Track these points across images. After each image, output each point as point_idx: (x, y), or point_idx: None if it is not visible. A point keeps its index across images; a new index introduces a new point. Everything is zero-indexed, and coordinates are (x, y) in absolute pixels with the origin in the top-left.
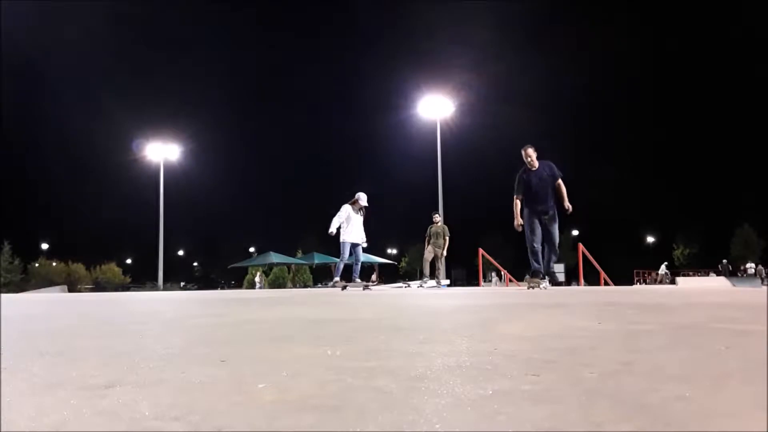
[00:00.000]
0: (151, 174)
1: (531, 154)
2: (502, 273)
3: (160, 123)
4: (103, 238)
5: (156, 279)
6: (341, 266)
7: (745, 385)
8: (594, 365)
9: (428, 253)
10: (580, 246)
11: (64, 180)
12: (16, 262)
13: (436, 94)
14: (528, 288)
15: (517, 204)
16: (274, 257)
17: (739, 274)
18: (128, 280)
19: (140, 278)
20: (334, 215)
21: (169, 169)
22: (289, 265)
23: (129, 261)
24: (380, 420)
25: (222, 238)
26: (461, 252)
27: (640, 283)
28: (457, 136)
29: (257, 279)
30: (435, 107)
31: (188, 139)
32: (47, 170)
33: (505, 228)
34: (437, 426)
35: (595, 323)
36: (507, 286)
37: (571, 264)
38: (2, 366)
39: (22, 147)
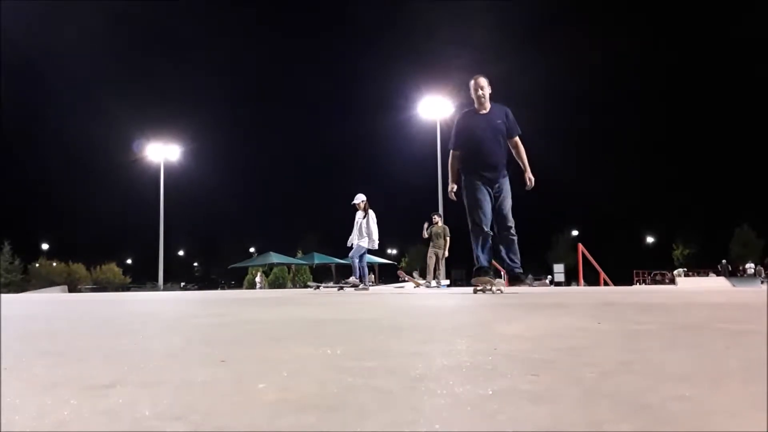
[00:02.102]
0: (152, 174)
1: (483, 86)
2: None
3: (161, 123)
4: (104, 239)
5: (156, 279)
6: (355, 263)
7: (745, 385)
8: (594, 365)
9: (430, 259)
10: (580, 246)
11: (64, 180)
12: (17, 262)
13: (436, 95)
14: (474, 292)
15: (454, 161)
16: (274, 257)
17: (739, 275)
18: (128, 280)
19: (140, 278)
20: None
21: (170, 170)
22: (289, 266)
23: (129, 261)
24: (380, 420)
25: (222, 239)
26: (461, 252)
27: (640, 284)
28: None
29: (257, 279)
30: (435, 107)
31: (188, 139)
32: (47, 170)
33: None
34: (437, 426)
35: (594, 323)
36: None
37: (571, 264)
38: (2, 366)
39: (23, 147)
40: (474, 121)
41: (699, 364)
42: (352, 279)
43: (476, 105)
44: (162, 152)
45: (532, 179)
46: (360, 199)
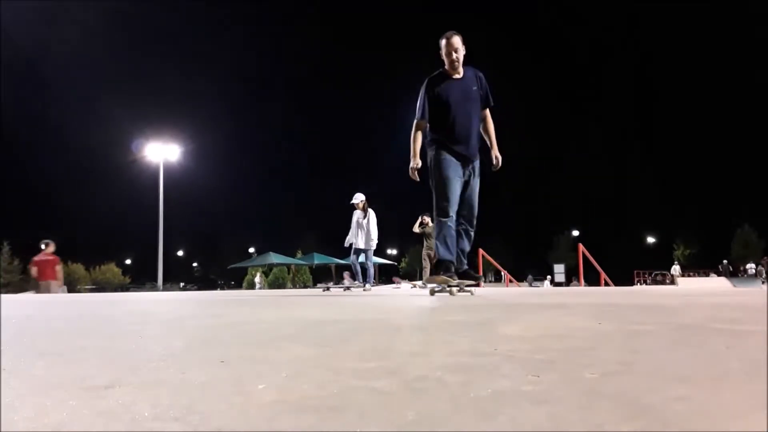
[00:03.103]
0: (151, 174)
1: (458, 46)
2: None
3: (160, 123)
4: (103, 239)
5: (155, 279)
6: (355, 265)
7: (746, 385)
8: (594, 366)
9: (424, 260)
10: (580, 246)
11: (63, 181)
12: (16, 262)
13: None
14: (431, 293)
15: (419, 134)
16: (274, 258)
17: (740, 275)
18: (128, 280)
19: (140, 279)
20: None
21: (169, 170)
22: (288, 266)
23: (128, 261)
24: (380, 420)
25: (222, 239)
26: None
27: (641, 284)
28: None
29: (257, 279)
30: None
31: (188, 139)
32: (47, 171)
33: (505, 228)
34: (437, 426)
35: (595, 323)
36: (507, 286)
37: (571, 264)
38: (2, 366)
39: (22, 147)
40: (446, 87)
41: (699, 365)
42: (356, 281)
43: (448, 68)
44: (161, 152)
45: (500, 158)
46: (359, 198)
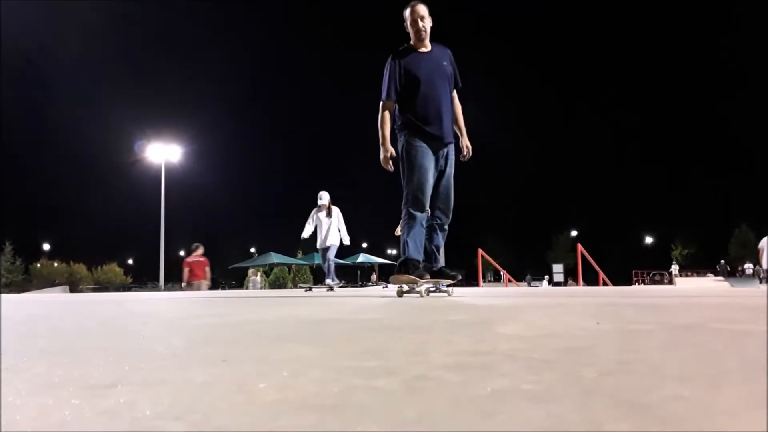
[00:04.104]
0: (153, 175)
1: (424, 15)
2: (501, 273)
3: (162, 124)
4: (105, 239)
5: (157, 279)
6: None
7: (744, 385)
8: (593, 365)
9: None
10: (579, 246)
11: (65, 181)
12: (18, 262)
13: None
14: (399, 295)
15: (387, 116)
16: (274, 257)
17: (737, 275)
18: (129, 280)
19: (141, 278)
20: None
21: (171, 170)
22: (289, 266)
23: (130, 261)
24: (380, 420)
25: (222, 239)
26: (460, 252)
27: (639, 284)
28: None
29: (257, 279)
30: None
31: (189, 140)
32: (49, 171)
33: (505, 228)
34: (437, 426)
35: (593, 323)
36: (507, 286)
37: (571, 264)
38: (3, 366)
39: (24, 148)
40: (414, 61)
41: (698, 364)
42: (329, 281)
43: (414, 41)
44: (163, 153)
45: (470, 147)
46: (327, 198)
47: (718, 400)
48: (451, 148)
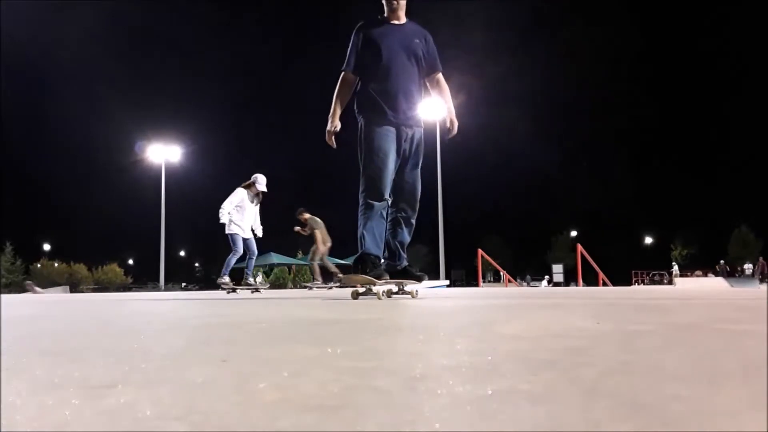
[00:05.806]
0: (153, 175)
1: None
2: (501, 273)
3: (162, 124)
4: (105, 239)
5: (157, 279)
6: (232, 261)
7: (744, 385)
8: (593, 365)
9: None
10: (579, 247)
11: (66, 181)
12: (18, 262)
13: (435, 96)
14: (354, 297)
15: (344, 89)
16: (275, 257)
17: (737, 275)
18: (130, 280)
19: (142, 279)
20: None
21: (171, 171)
22: (289, 266)
23: (131, 262)
24: (380, 420)
25: (223, 239)
26: (460, 253)
27: (639, 284)
28: (456, 137)
29: (258, 279)
30: (434, 109)
31: (190, 140)
32: (49, 171)
33: (504, 228)
34: (437, 426)
35: (593, 323)
36: (506, 286)
37: (570, 264)
38: (3, 366)
39: (24, 147)
40: (382, 32)
41: (697, 364)
42: (251, 280)
43: (387, 12)
44: (163, 153)
45: (456, 123)
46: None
47: (718, 400)
48: (418, 132)
